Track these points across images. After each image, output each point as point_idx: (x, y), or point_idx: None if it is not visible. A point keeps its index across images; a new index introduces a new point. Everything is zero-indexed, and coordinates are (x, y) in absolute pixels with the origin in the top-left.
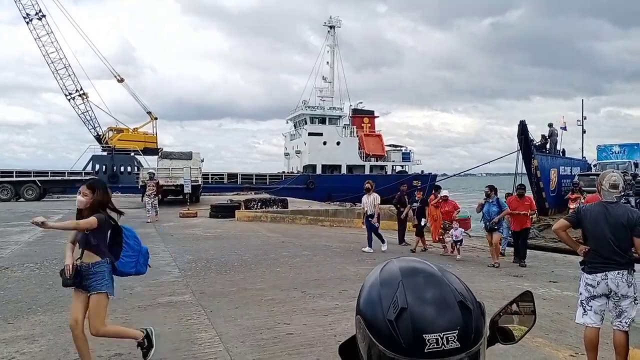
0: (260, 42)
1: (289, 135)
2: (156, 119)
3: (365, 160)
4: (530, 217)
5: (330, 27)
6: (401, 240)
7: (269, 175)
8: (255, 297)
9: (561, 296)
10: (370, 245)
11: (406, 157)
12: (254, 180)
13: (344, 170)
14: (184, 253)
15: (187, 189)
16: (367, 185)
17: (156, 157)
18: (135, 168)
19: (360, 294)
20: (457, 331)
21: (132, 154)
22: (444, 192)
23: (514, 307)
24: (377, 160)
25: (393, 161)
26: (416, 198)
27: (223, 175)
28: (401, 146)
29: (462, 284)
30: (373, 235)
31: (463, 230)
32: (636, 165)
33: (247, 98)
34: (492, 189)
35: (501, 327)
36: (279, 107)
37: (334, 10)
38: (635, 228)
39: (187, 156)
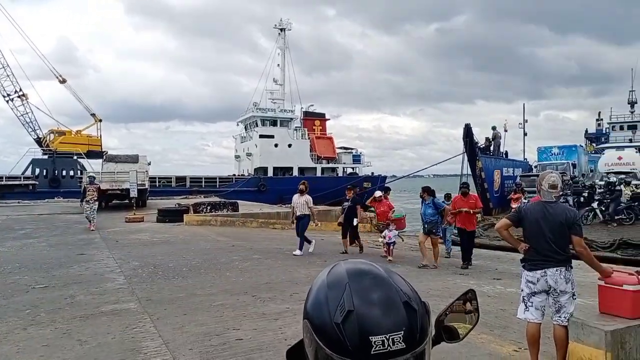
0: (208, 42)
1: (240, 137)
2: (100, 120)
3: (317, 163)
4: (476, 216)
5: (281, 29)
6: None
7: (219, 178)
8: (204, 303)
9: (505, 293)
10: (300, 248)
11: (357, 159)
12: (203, 184)
13: (295, 173)
14: (130, 259)
15: (133, 193)
16: (302, 187)
17: (101, 160)
18: (79, 172)
19: (308, 298)
20: (402, 332)
21: (75, 157)
22: (377, 193)
23: (458, 305)
24: (328, 163)
25: (344, 163)
26: (347, 197)
27: (171, 178)
28: (352, 148)
29: (408, 285)
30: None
31: (397, 231)
32: (574, 166)
33: (195, 99)
34: (426, 190)
35: (446, 326)
36: (229, 108)
37: (282, 13)
38: (572, 226)
39: (133, 159)
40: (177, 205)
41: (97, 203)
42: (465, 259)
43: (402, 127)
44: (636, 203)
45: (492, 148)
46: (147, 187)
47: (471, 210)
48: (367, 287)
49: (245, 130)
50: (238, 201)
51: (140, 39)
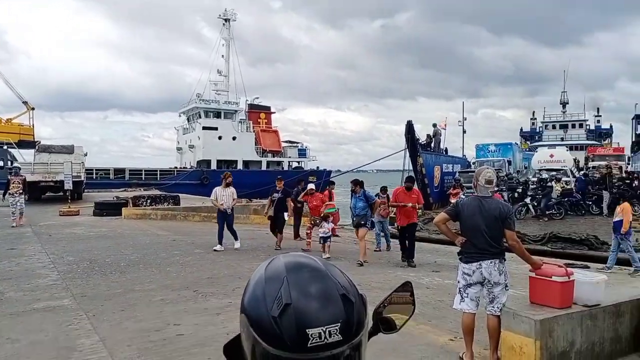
0: (149, 31)
1: (182, 129)
2: (33, 109)
3: (262, 156)
4: (417, 211)
5: (226, 20)
6: (296, 235)
7: (160, 171)
8: (144, 299)
9: (443, 284)
10: (220, 243)
11: (302, 153)
12: (143, 176)
13: (240, 166)
14: (64, 254)
15: (68, 185)
16: (230, 179)
17: (33, 150)
18: (9, 162)
19: (245, 292)
20: (339, 324)
21: (5, 147)
22: (310, 186)
23: (395, 297)
24: (273, 156)
25: (289, 157)
26: (277, 188)
27: (109, 170)
28: (297, 142)
29: (346, 277)
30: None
31: (333, 225)
32: (509, 163)
33: (135, 89)
34: (357, 183)
35: (384, 317)
36: (171, 99)
37: (227, 3)
38: (506, 220)
39: (69, 150)
40: (115, 198)
41: (22, 196)
42: (409, 257)
43: (347, 122)
44: (566, 199)
45: (432, 144)
46: (83, 179)
47: (417, 205)
48: (305, 280)
49: (188, 121)
50: (180, 194)
51: (78, 24)
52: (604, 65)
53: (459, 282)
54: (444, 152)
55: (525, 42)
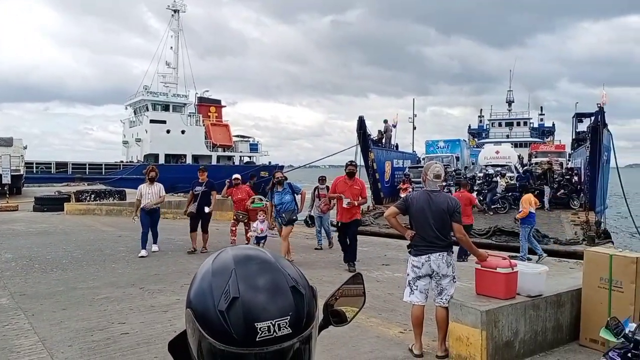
0: (93, 20)
1: (128, 122)
2: None
3: (212, 151)
4: (360, 206)
5: (175, 11)
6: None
7: (105, 165)
8: (87, 297)
9: (393, 278)
10: (143, 247)
11: (254, 148)
12: (87, 170)
13: (189, 160)
14: (1, 251)
15: (6, 180)
16: (153, 174)
17: None
18: None
19: (192, 286)
20: (289, 317)
21: None
22: (234, 175)
23: (346, 289)
24: (224, 151)
25: (241, 152)
26: (199, 180)
27: (50, 164)
28: (249, 137)
29: (296, 269)
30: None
31: (268, 223)
32: (457, 159)
33: (79, 80)
34: (278, 177)
35: (335, 310)
36: (117, 91)
37: None
38: (453, 214)
39: (7, 142)
40: (57, 193)
41: None
42: (350, 259)
43: (298, 117)
44: (510, 194)
45: (383, 140)
46: (22, 173)
47: (355, 202)
48: (253, 273)
49: (135, 114)
50: (126, 189)
51: (16, 11)
52: (546, 66)
53: (408, 274)
54: (395, 148)
55: (472, 43)
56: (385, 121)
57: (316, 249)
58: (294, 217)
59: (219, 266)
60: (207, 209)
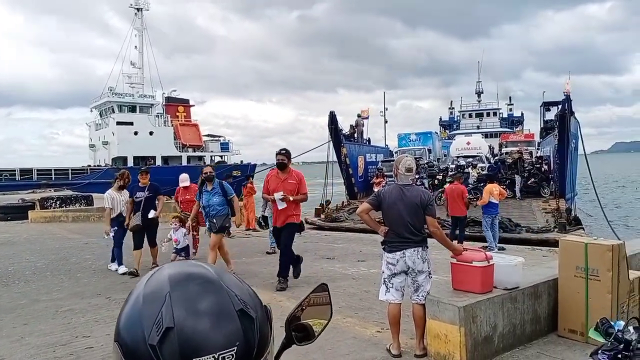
0: (51, 20)
1: (94, 124)
2: None
3: (182, 151)
4: (299, 207)
5: (138, 9)
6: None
7: (72, 170)
8: (50, 309)
9: (369, 274)
10: (121, 263)
11: (225, 147)
12: (53, 176)
13: (158, 162)
14: None
15: None
16: (121, 183)
17: None
18: None
19: (120, 315)
20: (235, 348)
21: None
22: (181, 176)
23: (313, 297)
24: (194, 151)
25: (211, 151)
26: (140, 184)
27: (14, 171)
28: (219, 136)
29: (245, 287)
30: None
31: (185, 231)
32: (429, 151)
33: (41, 83)
34: (207, 174)
35: (301, 324)
36: (81, 93)
37: None
38: (427, 207)
39: None
40: (20, 201)
41: None
42: (281, 273)
43: (269, 115)
44: (481, 184)
45: (356, 135)
46: None
47: (290, 197)
48: (193, 296)
49: (101, 116)
50: (93, 194)
51: None
52: (511, 56)
53: (383, 272)
54: (367, 142)
55: (437, 35)
56: (359, 115)
57: (268, 252)
58: (227, 225)
59: (152, 290)
60: (152, 214)
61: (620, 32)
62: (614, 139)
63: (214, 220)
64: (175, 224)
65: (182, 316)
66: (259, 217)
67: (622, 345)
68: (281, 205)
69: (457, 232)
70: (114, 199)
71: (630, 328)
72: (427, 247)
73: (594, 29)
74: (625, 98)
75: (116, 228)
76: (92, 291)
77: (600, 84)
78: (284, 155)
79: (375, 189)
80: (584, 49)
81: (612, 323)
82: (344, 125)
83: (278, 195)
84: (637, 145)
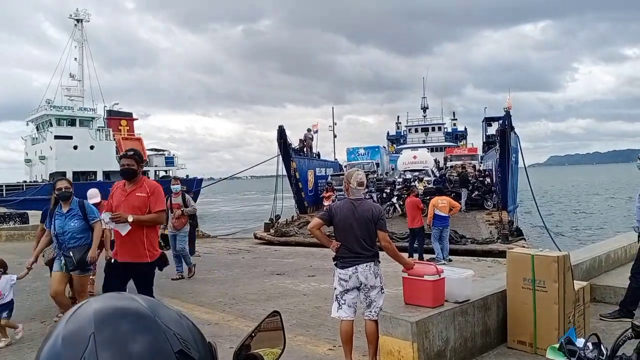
0: None
1: (31, 139)
2: None
3: None
4: (156, 233)
5: (78, 20)
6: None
7: (6, 186)
8: None
9: (319, 289)
10: None
11: (170, 161)
12: None
13: (100, 177)
14: None
15: None
16: (96, 199)
17: None
18: None
19: (38, 357)
20: None
21: None
22: (91, 191)
23: (264, 324)
24: None
25: (156, 166)
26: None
27: None
28: (164, 150)
29: (185, 323)
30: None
31: (12, 279)
32: (378, 165)
33: None
34: (61, 192)
35: (251, 355)
36: (16, 106)
37: (74, 2)
38: (378, 222)
39: None
40: None
41: None
42: None
43: (215, 129)
44: (427, 197)
45: (305, 149)
46: None
47: (130, 217)
48: (122, 337)
49: (37, 130)
50: (29, 212)
51: None
52: (452, 73)
53: (335, 288)
54: (317, 157)
55: (381, 51)
56: (309, 130)
57: (174, 279)
58: (88, 260)
59: (73, 329)
60: None
61: (552, 50)
62: (549, 152)
63: (70, 253)
64: None
65: None
66: (159, 235)
67: None
68: (124, 230)
69: (416, 244)
70: (104, 217)
71: (589, 345)
72: (379, 262)
73: (529, 47)
74: (558, 113)
75: None
76: (25, 315)
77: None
78: (131, 159)
79: (326, 203)
80: (521, 67)
81: (575, 340)
82: (293, 140)
83: (106, 216)
84: (570, 159)
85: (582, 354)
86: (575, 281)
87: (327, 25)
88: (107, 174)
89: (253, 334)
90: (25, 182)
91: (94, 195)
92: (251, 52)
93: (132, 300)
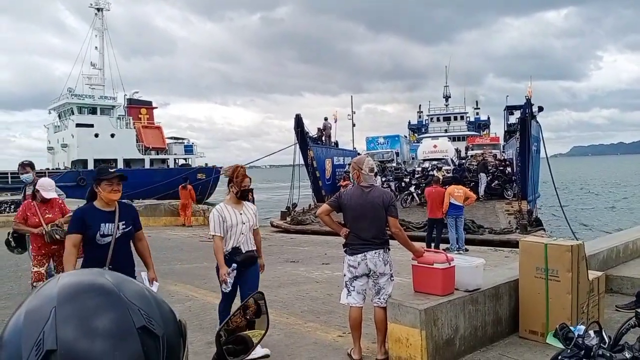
0: (2, 20)
1: (53, 127)
2: None
3: (145, 154)
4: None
5: (98, 9)
6: None
7: None
8: None
9: (332, 277)
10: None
11: (189, 149)
12: (9, 180)
13: (120, 165)
14: None
15: None
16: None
17: None
18: None
19: (2, 333)
20: None
21: None
22: (44, 181)
23: (246, 310)
24: (157, 154)
25: (175, 154)
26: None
27: None
28: (183, 139)
29: (152, 298)
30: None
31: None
32: (397, 154)
33: None
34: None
35: (239, 337)
36: (39, 95)
37: None
38: (389, 208)
39: None
40: None
41: None
42: None
43: (234, 118)
44: (445, 186)
45: (323, 138)
46: None
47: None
48: (84, 311)
49: (59, 119)
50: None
51: None
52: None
53: (345, 275)
54: (335, 145)
55: (399, 40)
56: (326, 118)
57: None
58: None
59: (37, 304)
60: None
61: (576, 38)
62: (572, 142)
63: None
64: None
65: (68, 337)
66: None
67: (583, 352)
68: None
69: (434, 234)
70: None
71: (591, 332)
72: (389, 249)
73: (552, 34)
74: (582, 103)
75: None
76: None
77: (558, 89)
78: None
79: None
80: (543, 55)
81: (572, 328)
82: (311, 129)
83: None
84: (594, 149)
85: (580, 341)
86: (590, 271)
87: (346, 14)
88: (127, 162)
89: (236, 315)
90: (48, 169)
91: (47, 186)
92: (268, 41)
93: (99, 275)
